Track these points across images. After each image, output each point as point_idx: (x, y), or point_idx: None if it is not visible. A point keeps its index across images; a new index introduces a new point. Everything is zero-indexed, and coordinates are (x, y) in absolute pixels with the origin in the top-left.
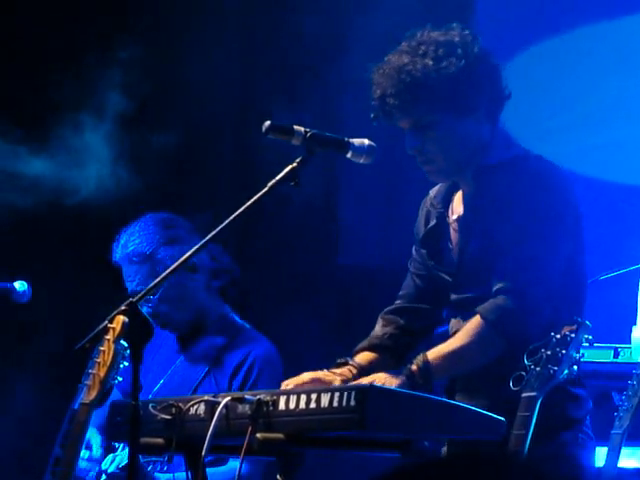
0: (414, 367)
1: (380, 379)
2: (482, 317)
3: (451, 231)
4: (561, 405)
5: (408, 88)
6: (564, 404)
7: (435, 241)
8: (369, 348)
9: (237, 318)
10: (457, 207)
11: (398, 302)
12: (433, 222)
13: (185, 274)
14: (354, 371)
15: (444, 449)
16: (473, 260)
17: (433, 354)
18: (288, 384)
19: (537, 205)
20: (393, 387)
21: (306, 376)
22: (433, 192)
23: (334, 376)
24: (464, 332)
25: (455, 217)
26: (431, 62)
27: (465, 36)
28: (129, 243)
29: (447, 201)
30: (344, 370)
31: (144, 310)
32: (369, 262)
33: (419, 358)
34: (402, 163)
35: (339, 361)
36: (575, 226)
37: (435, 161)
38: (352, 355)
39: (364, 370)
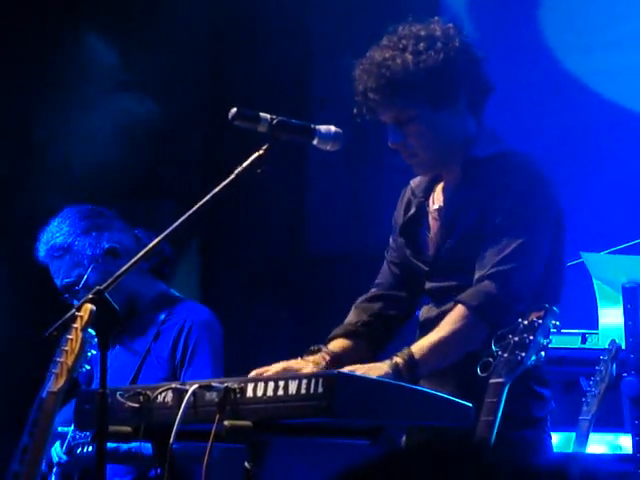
0: (400, 361)
1: (361, 370)
2: (464, 304)
3: (430, 220)
4: (524, 402)
5: (388, 82)
6: (527, 401)
7: (413, 229)
8: (343, 335)
9: (174, 292)
10: (439, 197)
11: (374, 290)
12: (413, 210)
13: (107, 260)
14: (327, 358)
15: (403, 438)
16: (451, 250)
17: (417, 347)
18: (259, 373)
19: (524, 198)
20: (355, 373)
21: (277, 366)
22: (415, 182)
23: (306, 363)
24: (447, 321)
25: (436, 207)
26: (410, 56)
27: (447, 29)
28: (49, 240)
29: (428, 191)
30: (316, 357)
31: (75, 302)
32: (337, 252)
33: (404, 352)
34: (370, 152)
35: (312, 348)
36: (557, 221)
37: (417, 155)
38: (326, 342)
39: (337, 357)
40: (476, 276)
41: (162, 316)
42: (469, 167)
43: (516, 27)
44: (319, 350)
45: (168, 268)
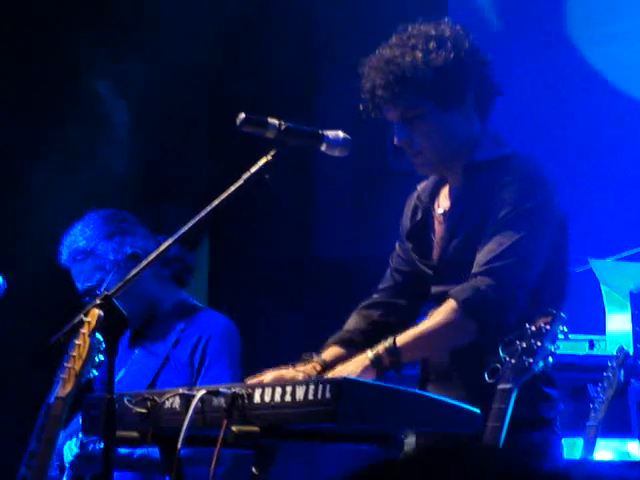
0: (381, 349)
1: (345, 370)
2: (453, 298)
3: (436, 224)
4: (533, 404)
5: (396, 80)
6: (536, 403)
7: (420, 235)
8: (338, 342)
9: (194, 301)
10: (443, 201)
11: (376, 296)
12: (419, 216)
13: (129, 265)
14: (318, 368)
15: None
16: (455, 253)
17: (401, 336)
18: (251, 382)
19: (523, 197)
20: (362, 379)
21: (269, 375)
22: (420, 187)
23: (297, 373)
24: (435, 314)
25: (441, 211)
26: (420, 54)
27: (456, 30)
28: (72, 243)
29: (434, 195)
30: (308, 367)
31: None
32: (343, 255)
33: (388, 340)
34: (375, 155)
35: (304, 357)
36: (560, 225)
37: (423, 153)
38: (322, 348)
39: (329, 366)
40: (472, 272)
41: (181, 325)
42: (472, 170)
43: (539, 19)
44: (311, 359)
45: (189, 276)
